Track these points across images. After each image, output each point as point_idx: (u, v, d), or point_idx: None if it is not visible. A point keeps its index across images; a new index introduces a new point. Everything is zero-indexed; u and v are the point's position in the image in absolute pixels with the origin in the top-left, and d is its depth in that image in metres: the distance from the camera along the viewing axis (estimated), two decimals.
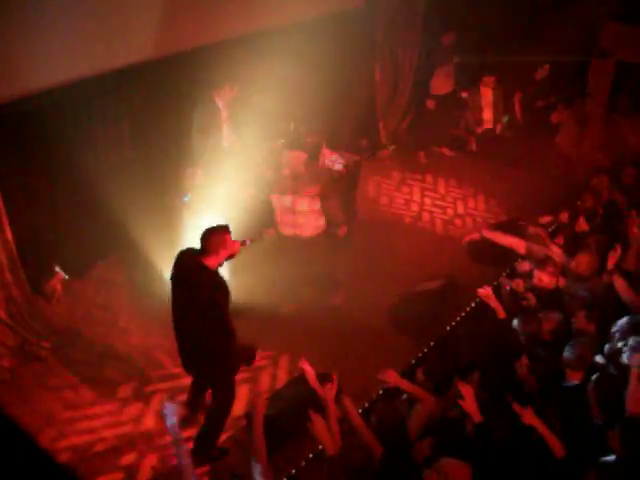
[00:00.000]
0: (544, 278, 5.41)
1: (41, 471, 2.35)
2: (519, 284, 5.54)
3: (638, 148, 7.94)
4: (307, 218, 6.90)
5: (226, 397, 5.01)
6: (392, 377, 4.53)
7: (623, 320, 4.56)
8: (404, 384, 4.52)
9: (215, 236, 4.63)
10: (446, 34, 9.12)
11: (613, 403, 3.95)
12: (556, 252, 5.70)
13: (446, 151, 9.83)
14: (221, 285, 4.63)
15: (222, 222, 4.82)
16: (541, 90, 9.61)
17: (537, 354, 4.61)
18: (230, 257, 4.74)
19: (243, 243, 4.87)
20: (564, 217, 6.66)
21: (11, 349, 5.79)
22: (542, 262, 5.55)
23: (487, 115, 9.42)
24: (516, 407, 3.90)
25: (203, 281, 4.60)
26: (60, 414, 5.42)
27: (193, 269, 4.61)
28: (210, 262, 4.59)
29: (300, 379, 5.69)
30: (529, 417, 3.85)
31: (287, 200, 6.87)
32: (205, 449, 5.09)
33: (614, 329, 4.56)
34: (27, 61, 5.37)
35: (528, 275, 5.65)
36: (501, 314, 5.13)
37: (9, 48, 5.19)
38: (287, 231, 7.02)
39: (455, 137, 9.74)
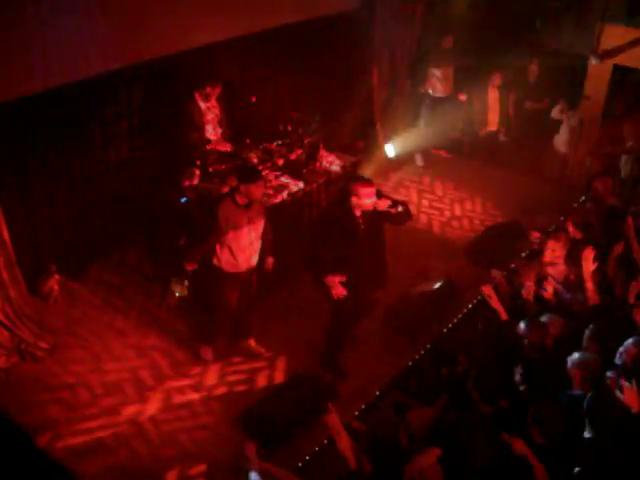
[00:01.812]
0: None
1: (39, 470, 2.36)
2: (530, 291, 5.43)
3: (634, 150, 7.94)
4: None
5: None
6: (333, 421, 4.14)
7: (629, 342, 4.42)
8: (341, 432, 4.09)
9: (350, 182, 5.36)
10: (445, 38, 9.14)
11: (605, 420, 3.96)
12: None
13: (443, 153, 9.86)
14: (334, 220, 5.34)
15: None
16: (534, 92, 9.62)
17: (535, 361, 4.58)
18: (379, 212, 5.28)
19: (390, 207, 5.29)
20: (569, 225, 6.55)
21: (8, 349, 5.78)
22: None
23: (492, 116, 9.39)
24: (506, 437, 3.79)
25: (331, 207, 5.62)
26: (57, 415, 5.40)
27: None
28: (351, 202, 5.27)
29: (296, 381, 5.72)
30: (520, 447, 3.75)
31: None
32: (328, 362, 5.91)
33: (621, 350, 4.49)
34: (25, 61, 5.37)
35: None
36: (503, 316, 5.09)
37: (8, 49, 5.18)
38: None
39: (452, 139, 9.76)
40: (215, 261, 5.57)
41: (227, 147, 6.94)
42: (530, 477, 3.74)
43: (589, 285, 5.09)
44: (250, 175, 5.47)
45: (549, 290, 5.29)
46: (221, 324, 6.00)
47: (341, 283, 5.38)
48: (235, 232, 5.46)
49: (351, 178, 5.55)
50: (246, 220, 5.48)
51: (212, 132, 6.94)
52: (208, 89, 6.79)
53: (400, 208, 5.31)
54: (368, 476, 3.92)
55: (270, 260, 5.93)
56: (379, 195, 5.33)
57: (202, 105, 6.83)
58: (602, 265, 5.29)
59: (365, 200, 5.22)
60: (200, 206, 6.17)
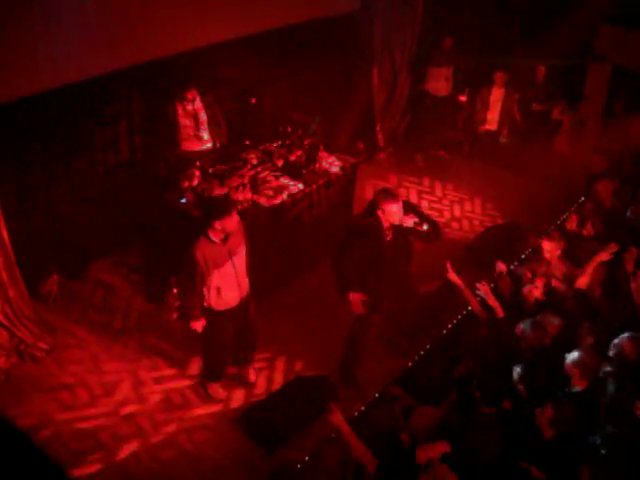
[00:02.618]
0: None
1: (38, 470, 2.35)
2: (529, 291, 5.42)
3: (634, 151, 7.94)
4: None
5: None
6: (337, 419, 4.16)
7: (624, 337, 4.46)
8: (345, 429, 4.11)
9: (377, 196, 5.25)
10: (444, 38, 9.14)
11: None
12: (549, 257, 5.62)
13: (443, 154, 9.85)
14: (353, 229, 5.29)
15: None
16: (540, 94, 9.58)
17: (533, 362, 4.59)
18: (407, 228, 5.24)
19: (416, 224, 5.25)
20: (572, 224, 6.54)
21: (7, 350, 5.78)
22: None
23: (492, 115, 9.35)
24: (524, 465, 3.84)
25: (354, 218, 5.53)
26: (56, 415, 5.40)
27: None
28: (379, 213, 5.18)
29: (296, 382, 5.71)
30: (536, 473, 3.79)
31: None
32: (345, 375, 5.77)
33: (613, 344, 4.51)
34: (24, 63, 5.37)
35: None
36: (499, 313, 5.10)
37: (7, 50, 5.19)
38: None
39: (452, 140, 9.75)
40: (205, 303, 5.23)
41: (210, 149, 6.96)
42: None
43: (588, 270, 5.12)
44: (221, 208, 5.02)
45: (540, 287, 5.30)
46: (221, 360, 5.67)
47: (362, 302, 5.32)
48: (219, 271, 5.07)
49: (379, 191, 5.35)
50: (227, 255, 5.08)
51: (198, 134, 6.94)
52: (186, 94, 6.75)
53: (426, 227, 5.25)
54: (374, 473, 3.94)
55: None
56: (407, 210, 5.28)
57: (180, 109, 6.80)
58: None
59: (390, 216, 5.17)
60: (199, 207, 6.18)
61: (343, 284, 5.34)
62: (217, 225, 4.94)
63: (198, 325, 5.24)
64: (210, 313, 5.27)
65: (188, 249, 4.98)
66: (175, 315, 6.16)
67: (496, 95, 9.13)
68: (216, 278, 5.08)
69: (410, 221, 5.23)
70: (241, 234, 5.20)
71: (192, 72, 6.89)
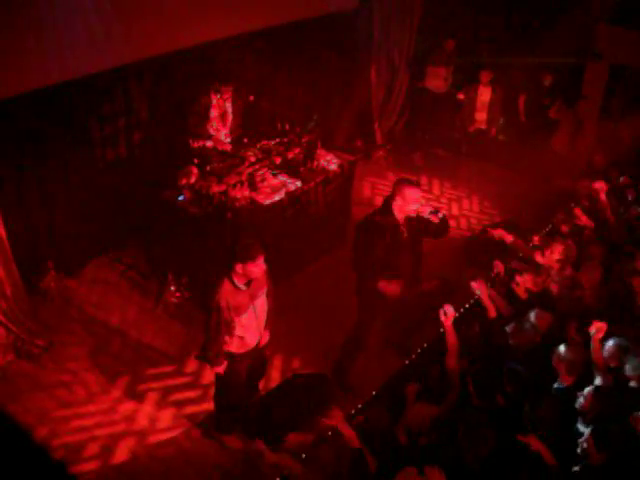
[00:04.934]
0: (528, 283, 5.41)
1: (36, 466, 2.35)
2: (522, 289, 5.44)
3: (631, 149, 7.96)
4: None
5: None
6: (338, 419, 4.27)
7: (610, 344, 4.49)
8: (345, 428, 4.22)
9: (397, 182, 5.06)
10: (447, 40, 9.13)
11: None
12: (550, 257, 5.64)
13: (441, 152, 9.85)
14: (369, 227, 5.07)
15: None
16: (546, 99, 9.54)
17: (521, 361, 4.60)
18: (419, 220, 5.09)
19: (432, 213, 5.11)
20: (558, 220, 6.57)
21: (4, 347, 5.78)
22: (530, 266, 5.57)
23: (480, 116, 9.36)
24: (521, 438, 3.86)
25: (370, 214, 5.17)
26: (53, 412, 5.40)
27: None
28: (394, 207, 5.02)
29: (293, 380, 5.72)
30: (535, 443, 3.83)
31: None
32: (340, 377, 5.69)
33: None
34: (22, 59, 5.35)
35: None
36: (492, 313, 5.12)
37: (4, 47, 5.17)
38: None
39: (450, 138, 9.75)
40: (225, 348, 4.89)
41: (227, 147, 6.93)
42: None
43: None
44: (246, 252, 4.53)
45: (521, 285, 5.32)
46: (235, 406, 5.26)
47: (396, 283, 5.13)
48: (239, 317, 4.73)
49: (398, 179, 5.19)
50: (248, 300, 4.74)
51: (216, 129, 6.93)
52: (222, 87, 6.77)
53: (440, 215, 5.12)
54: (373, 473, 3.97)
55: (266, 335, 5.12)
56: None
57: (214, 100, 6.80)
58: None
59: (410, 203, 4.99)
60: (197, 205, 6.18)
61: (371, 281, 5.21)
62: (239, 269, 4.55)
63: (221, 369, 4.90)
64: (229, 357, 4.93)
65: (211, 294, 4.61)
66: (194, 355, 5.69)
67: (483, 95, 9.12)
68: (238, 326, 4.76)
69: (427, 210, 5.13)
70: (264, 278, 4.84)
71: (190, 69, 6.88)
